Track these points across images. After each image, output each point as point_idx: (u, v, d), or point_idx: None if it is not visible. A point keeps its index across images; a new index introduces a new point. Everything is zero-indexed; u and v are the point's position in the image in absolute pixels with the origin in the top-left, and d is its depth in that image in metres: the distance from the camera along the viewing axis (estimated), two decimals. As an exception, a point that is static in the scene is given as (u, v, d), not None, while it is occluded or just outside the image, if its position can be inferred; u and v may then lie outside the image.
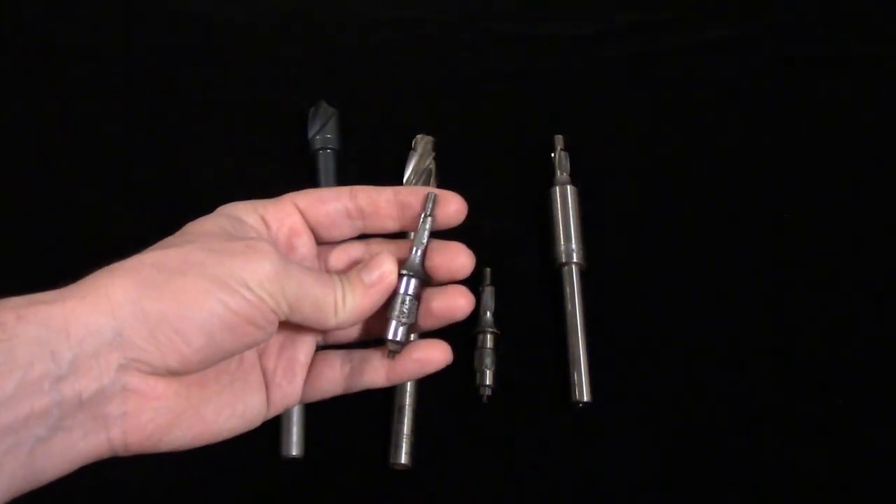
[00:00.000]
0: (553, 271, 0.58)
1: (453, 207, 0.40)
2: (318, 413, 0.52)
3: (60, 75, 0.66)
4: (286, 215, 0.39)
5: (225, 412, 0.36)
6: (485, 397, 0.53)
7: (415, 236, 0.39)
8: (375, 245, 0.42)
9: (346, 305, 0.37)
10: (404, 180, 0.59)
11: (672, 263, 0.59)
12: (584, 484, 0.52)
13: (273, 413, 0.39)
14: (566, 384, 0.53)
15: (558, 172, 0.61)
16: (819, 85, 0.67)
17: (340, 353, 0.41)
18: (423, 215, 0.39)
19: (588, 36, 0.70)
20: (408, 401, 0.52)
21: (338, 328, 0.38)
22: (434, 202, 0.39)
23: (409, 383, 0.53)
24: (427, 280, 0.39)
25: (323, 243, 0.41)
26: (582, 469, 0.52)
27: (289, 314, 0.35)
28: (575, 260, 0.57)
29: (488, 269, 0.57)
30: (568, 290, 0.56)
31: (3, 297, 0.32)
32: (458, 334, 0.55)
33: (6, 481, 0.30)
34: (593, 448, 0.53)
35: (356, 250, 0.42)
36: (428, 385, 0.54)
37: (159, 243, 0.35)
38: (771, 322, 0.57)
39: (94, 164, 0.62)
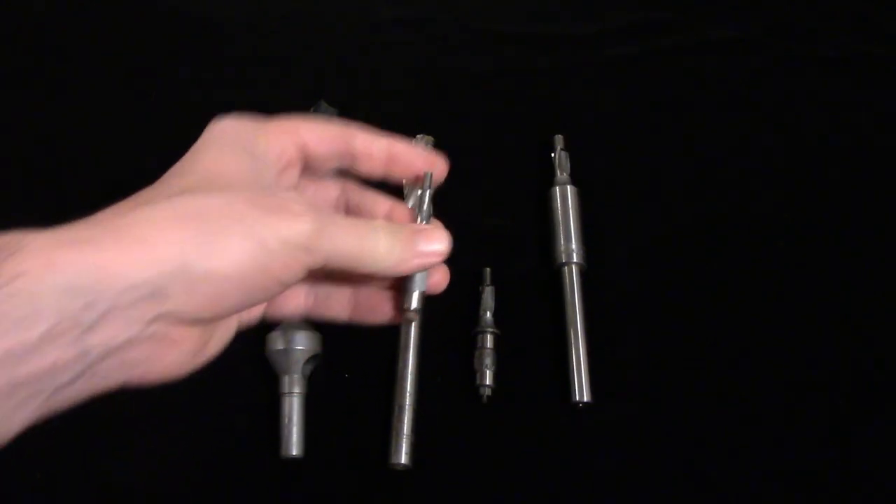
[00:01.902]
0: (553, 271, 0.58)
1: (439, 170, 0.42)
2: (318, 413, 0.53)
3: (60, 75, 0.66)
4: (288, 146, 0.39)
5: (222, 341, 0.37)
6: (485, 397, 0.53)
7: (420, 210, 0.41)
8: (352, 188, 0.43)
9: (390, 261, 0.37)
10: (404, 180, 0.59)
11: (672, 263, 0.59)
12: (584, 484, 0.52)
13: (237, 331, 0.39)
14: (566, 384, 0.53)
15: (558, 172, 0.61)
16: (819, 85, 0.67)
17: (305, 285, 0.41)
18: (422, 189, 0.41)
19: (588, 36, 0.70)
20: (408, 400, 0.52)
21: (372, 277, 0.39)
22: (431, 178, 0.42)
23: (408, 383, 0.53)
24: None
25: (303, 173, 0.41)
26: (582, 469, 0.52)
27: (323, 266, 0.35)
28: (575, 260, 0.57)
29: (488, 269, 0.57)
30: (568, 290, 0.56)
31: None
32: (459, 334, 0.56)
33: (18, 424, 0.31)
34: (593, 448, 0.53)
35: (333, 189, 0.43)
36: (428, 385, 0.54)
37: (179, 177, 0.35)
38: (771, 321, 0.57)
39: (93, 163, 0.62)
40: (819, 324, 0.57)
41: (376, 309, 0.41)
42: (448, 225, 0.56)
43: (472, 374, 0.54)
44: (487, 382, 0.53)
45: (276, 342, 0.52)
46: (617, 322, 0.57)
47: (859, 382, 0.55)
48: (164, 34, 0.69)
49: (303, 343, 0.52)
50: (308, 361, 0.53)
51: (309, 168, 0.41)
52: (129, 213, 0.32)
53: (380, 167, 0.42)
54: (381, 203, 0.43)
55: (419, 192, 0.41)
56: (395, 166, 0.42)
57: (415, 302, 0.40)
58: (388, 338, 0.55)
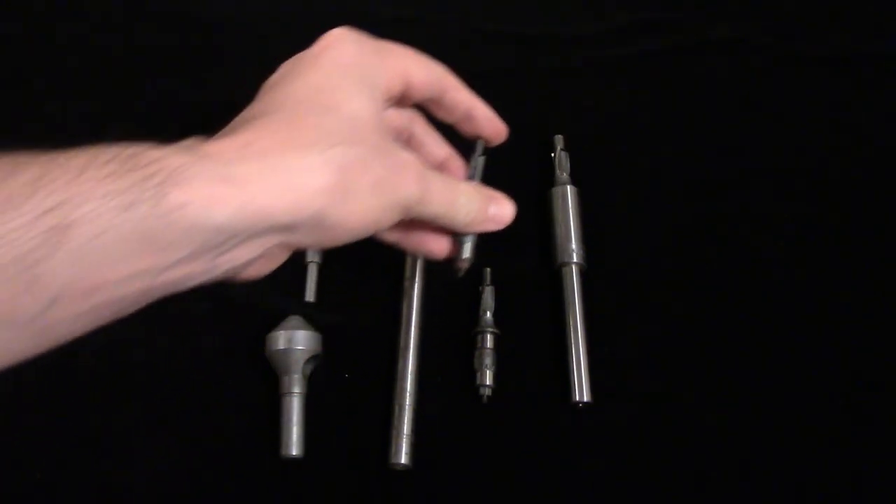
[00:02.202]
0: (553, 271, 0.58)
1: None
2: (318, 413, 0.53)
3: (61, 75, 0.66)
4: (397, 84, 0.42)
5: None
6: (485, 397, 0.53)
7: (474, 173, 0.48)
8: (419, 123, 0.48)
9: (466, 221, 0.43)
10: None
11: (672, 263, 0.59)
12: (584, 484, 0.52)
13: None
14: (566, 384, 0.53)
15: (558, 172, 0.60)
16: (819, 85, 0.67)
17: None
18: (476, 156, 0.48)
19: (588, 36, 0.70)
20: (408, 401, 0.52)
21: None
22: (483, 146, 0.48)
23: (408, 383, 0.53)
24: None
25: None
26: (582, 469, 0.52)
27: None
28: (575, 260, 0.57)
29: (488, 269, 0.57)
30: (568, 290, 0.56)
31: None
32: (459, 334, 0.56)
33: (136, 309, 0.34)
34: (593, 448, 0.53)
35: (405, 118, 0.47)
36: (428, 385, 0.54)
37: (321, 114, 0.37)
38: (772, 322, 0.57)
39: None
40: (819, 323, 0.57)
41: (422, 243, 0.45)
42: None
43: (472, 374, 0.54)
44: (487, 382, 0.53)
45: (277, 342, 0.52)
46: (617, 322, 0.57)
47: (860, 382, 0.55)
48: (164, 34, 0.69)
49: (303, 343, 0.52)
50: (308, 361, 0.53)
51: (400, 98, 0.44)
52: (283, 156, 0.34)
53: (454, 118, 0.47)
54: (442, 148, 0.49)
55: (475, 157, 0.48)
56: (467, 123, 0.47)
57: (467, 252, 0.45)
58: (388, 338, 0.55)
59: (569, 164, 0.61)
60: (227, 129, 0.38)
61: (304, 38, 0.69)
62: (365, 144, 0.37)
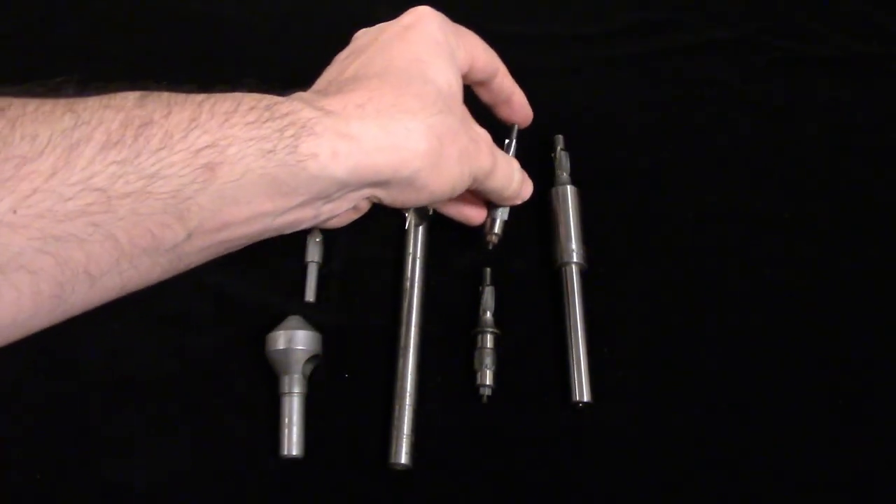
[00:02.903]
0: (553, 271, 0.58)
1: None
2: (318, 413, 0.53)
3: (60, 75, 0.66)
4: (466, 64, 0.46)
5: None
6: (485, 397, 0.53)
7: (507, 153, 0.51)
8: (466, 111, 0.50)
9: (511, 194, 0.49)
10: None
11: (672, 263, 0.59)
12: (584, 484, 0.52)
13: None
14: (566, 384, 0.53)
15: (558, 172, 0.60)
16: (819, 85, 0.67)
17: None
18: (511, 139, 0.53)
19: (588, 36, 0.70)
20: (408, 401, 0.52)
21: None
22: (516, 131, 0.53)
23: (409, 383, 0.53)
24: None
25: None
26: (582, 469, 0.52)
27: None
28: (575, 260, 0.57)
29: (488, 269, 0.57)
30: (568, 290, 0.56)
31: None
32: (459, 334, 0.56)
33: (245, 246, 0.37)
34: (593, 448, 0.53)
35: None
36: (428, 385, 0.54)
37: (422, 84, 0.40)
38: (771, 322, 0.57)
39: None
40: (819, 323, 0.57)
41: (461, 209, 0.52)
42: (448, 225, 0.57)
43: (472, 374, 0.54)
44: (487, 382, 0.53)
45: (277, 342, 0.52)
46: (617, 322, 0.57)
47: (860, 383, 0.55)
48: (164, 34, 0.69)
49: (303, 343, 0.52)
50: (308, 361, 0.53)
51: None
52: (393, 118, 0.37)
53: (495, 101, 0.52)
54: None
55: (507, 141, 0.52)
56: (504, 106, 0.52)
57: (497, 228, 0.52)
58: (388, 338, 0.55)
59: (569, 164, 0.61)
60: (326, 86, 0.41)
61: (304, 38, 0.69)
62: (455, 115, 0.40)
